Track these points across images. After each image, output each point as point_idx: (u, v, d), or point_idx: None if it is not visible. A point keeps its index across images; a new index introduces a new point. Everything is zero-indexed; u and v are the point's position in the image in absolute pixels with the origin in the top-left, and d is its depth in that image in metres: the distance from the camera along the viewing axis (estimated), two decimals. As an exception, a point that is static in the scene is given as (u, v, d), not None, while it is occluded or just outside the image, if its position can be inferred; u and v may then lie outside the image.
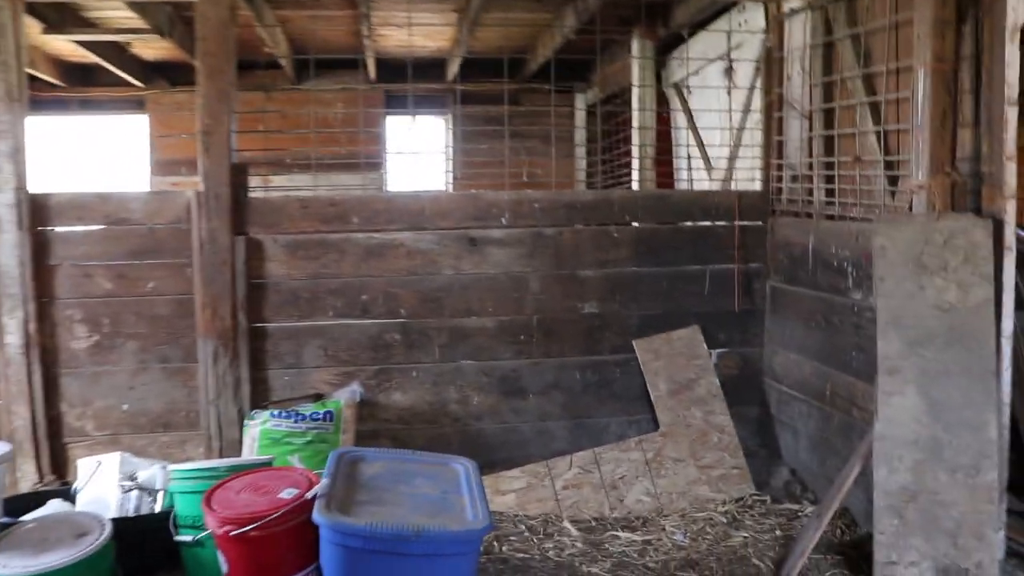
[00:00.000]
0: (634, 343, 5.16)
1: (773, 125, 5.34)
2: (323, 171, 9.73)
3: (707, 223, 5.30)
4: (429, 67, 9.71)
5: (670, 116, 7.91)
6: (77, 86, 9.38)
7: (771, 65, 5.34)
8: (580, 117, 10.09)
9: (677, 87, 7.59)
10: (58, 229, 4.76)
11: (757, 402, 5.32)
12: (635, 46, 7.45)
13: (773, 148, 5.33)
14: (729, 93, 5.97)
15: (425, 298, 4.96)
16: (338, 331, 4.92)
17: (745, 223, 5.29)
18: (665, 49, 7.68)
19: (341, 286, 4.90)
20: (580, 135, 10.19)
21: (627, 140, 7.90)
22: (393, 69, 9.48)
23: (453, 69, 9.24)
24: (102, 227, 4.78)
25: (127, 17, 7.07)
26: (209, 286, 4.74)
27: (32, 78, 9.01)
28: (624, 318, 5.17)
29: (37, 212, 4.69)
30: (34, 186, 4.72)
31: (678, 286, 5.23)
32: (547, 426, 5.11)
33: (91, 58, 8.82)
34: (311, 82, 9.56)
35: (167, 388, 4.87)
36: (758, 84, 5.93)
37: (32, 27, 7.06)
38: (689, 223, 5.32)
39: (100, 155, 10.02)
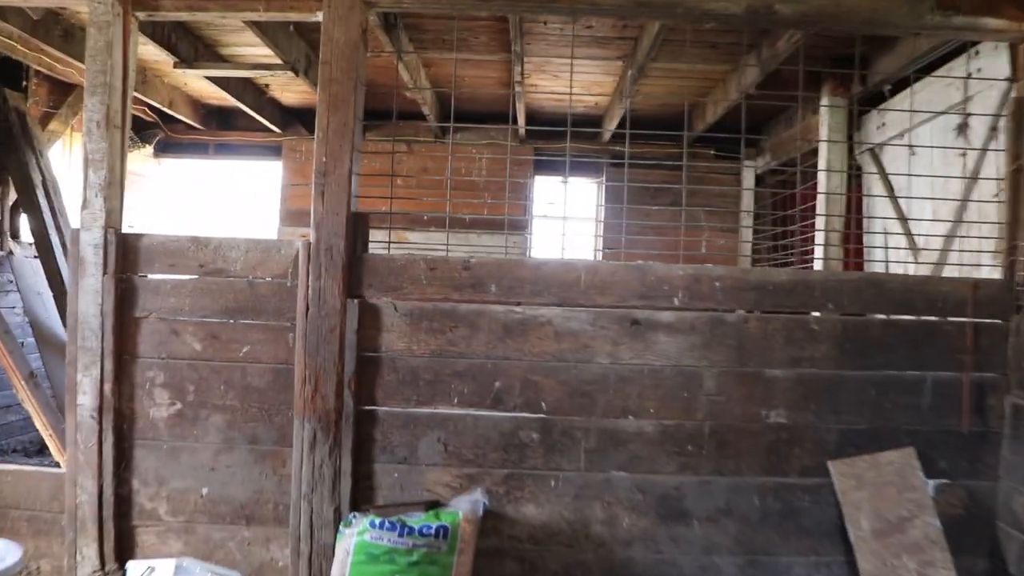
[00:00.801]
0: (830, 465, 4.05)
1: (1022, 197, 4.19)
2: (462, 230, 9.06)
3: (931, 318, 4.16)
4: (581, 125, 8.90)
5: (861, 187, 6.78)
6: (216, 130, 9.00)
7: (1022, 121, 4.21)
8: (747, 186, 9.04)
9: (874, 152, 6.46)
10: (147, 276, 4.06)
11: (987, 553, 4.09)
12: (824, 103, 6.41)
13: (1021, 226, 4.17)
14: (964, 155, 4.83)
15: (572, 390, 4.00)
16: (463, 423, 4.00)
17: (981, 320, 4.13)
18: (859, 107, 6.59)
19: (470, 368, 3.99)
20: (746, 206, 9.13)
21: (805, 214, 6.81)
22: (542, 126, 8.74)
23: (610, 127, 8.38)
24: (196, 277, 4.05)
25: (263, 55, 6.54)
26: (312, 356, 3.93)
27: (171, 119, 8.67)
28: (819, 432, 4.06)
29: (125, 255, 4.02)
30: (126, 226, 4.06)
31: (889, 396, 4.09)
32: (713, 562, 4.02)
33: (230, 101, 8.41)
34: (455, 136, 8.89)
35: (254, 474, 4.05)
36: (992, 145, 4.80)
37: (165, 63, 6.61)
38: (908, 317, 4.19)
39: (234, 201, 9.58)
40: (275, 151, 9.08)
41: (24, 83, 6.72)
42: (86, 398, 4.00)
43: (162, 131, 8.78)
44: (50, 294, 6.61)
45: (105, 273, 3.97)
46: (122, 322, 4.02)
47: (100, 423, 4.01)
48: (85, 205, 3.98)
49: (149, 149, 8.80)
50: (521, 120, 8.28)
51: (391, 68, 6.60)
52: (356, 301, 3.97)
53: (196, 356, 4.04)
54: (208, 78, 6.59)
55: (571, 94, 7.91)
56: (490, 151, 8.95)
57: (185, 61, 6.16)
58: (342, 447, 3.94)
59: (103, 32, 3.98)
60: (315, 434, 3.92)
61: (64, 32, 5.99)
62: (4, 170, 6.39)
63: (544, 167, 9.23)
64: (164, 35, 5.88)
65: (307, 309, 3.94)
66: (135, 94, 7.52)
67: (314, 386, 3.93)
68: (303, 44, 6.33)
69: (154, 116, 8.56)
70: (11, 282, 6.61)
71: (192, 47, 6.25)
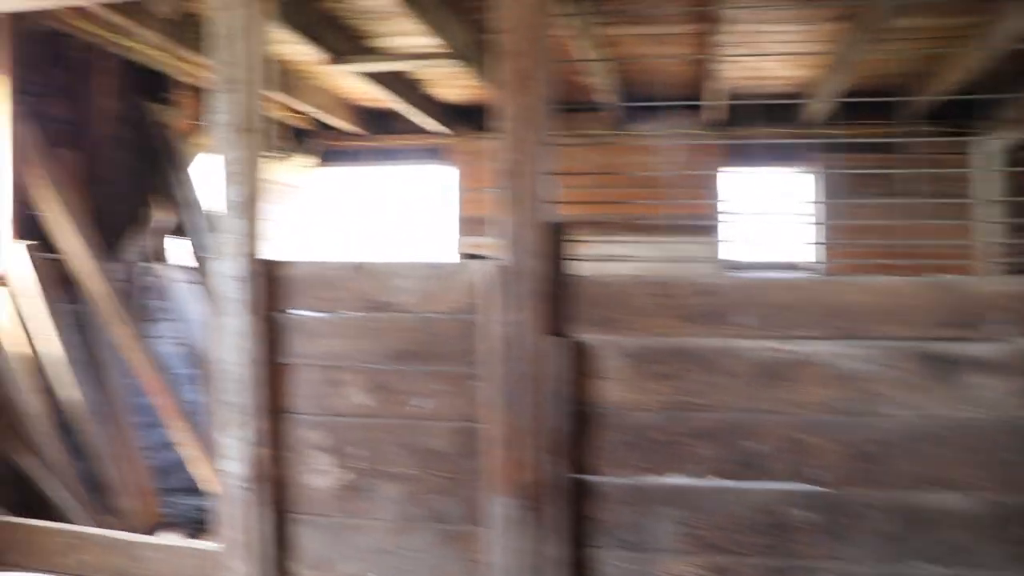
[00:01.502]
0: None
1: None
2: (646, 234, 8.05)
3: None
4: (780, 106, 7.70)
5: None
6: (375, 134, 8.32)
7: None
8: (982, 168, 7.61)
9: None
10: (300, 314, 3.28)
11: None
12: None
13: None
14: None
15: (854, 453, 2.94)
16: (706, 497, 3.02)
17: None
18: None
19: (714, 425, 3.00)
20: (983, 192, 7.70)
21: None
22: (733, 112, 7.63)
23: (817, 108, 7.18)
24: (358, 313, 3.24)
25: (420, 45, 5.76)
26: (506, 412, 3.05)
27: (327, 125, 8.07)
28: None
29: (273, 288, 3.26)
30: (271, 253, 3.31)
31: None
32: None
33: (386, 102, 7.71)
34: (635, 126, 7.89)
35: (439, 559, 3.21)
36: None
37: (313, 63, 5.93)
38: None
39: (400, 210, 8.90)
40: (439, 153, 8.32)
41: (168, 95, 6.19)
42: (233, 464, 3.27)
43: (319, 138, 8.18)
44: (205, 321, 6.05)
45: (250, 312, 3.22)
46: (272, 371, 3.26)
47: (251, 494, 3.27)
48: (224, 228, 3.24)
49: (306, 158, 8.22)
50: (713, 105, 7.20)
51: (565, 48, 5.69)
52: (561, 339, 3.05)
53: (362, 412, 3.24)
54: (364, 74, 5.86)
55: (764, 79, 6.77)
56: (675, 144, 7.89)
57: (338, 56, 5.43)
58: (549, 528, 3.03)
59: (229, 15, 3.23)
60: (515, 510, 3.04)
61: (204, 35, 5.37)
62: (152, 189, 5.87)
63: (737, 155, 8.09)
64: (311, 29, 5.16)
65: (498, 351, 3.06)
66: (286, 98, 6.96)
67: (510, 449, 3.05)
68: (466, 29, 5.50)
69: (310, 122, 7.97)
70: (164, 308, 6.10)
71: (340, 40, 5.51)
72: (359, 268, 3.23)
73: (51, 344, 4.68)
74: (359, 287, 3.22)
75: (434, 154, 8.39)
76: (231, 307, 3.23)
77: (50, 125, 5.21)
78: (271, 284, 3.26)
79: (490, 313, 3.08)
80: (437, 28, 4.99)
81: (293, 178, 8.12)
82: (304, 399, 3.27)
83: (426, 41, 5.66)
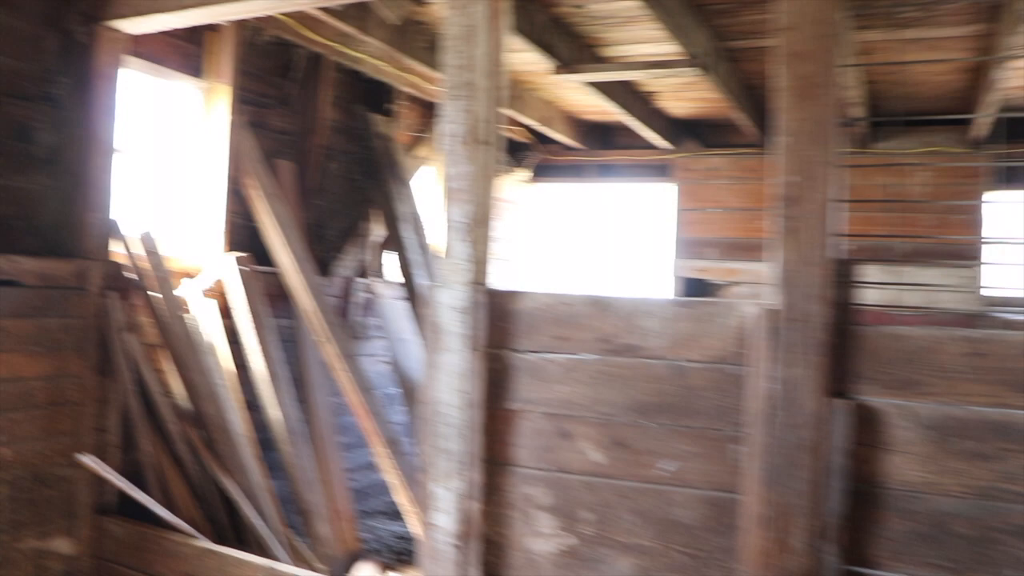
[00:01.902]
0: None
1: None
2: (890, 263, 7.23)
3: None
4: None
5: None
6: (595, 149, 7.91)
7: None
8: None
9: None
10: (528, 353, 2.87)
11: None
12: None
13: None
14: None
15: None
16: (1034, 618, 2.36)
17: None
18: None
19: (1049, 526, 2.34)
20: None
21: None
22: (1000, 127, 6.67)
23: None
24: (596, 356, 2.79)
25: (654, 52, 5.29)
26: (774, 485, 2.50)
27: (545, 139, 7.74)
28: None
29: (498, 323, 2.87)
30: (498, 281, 2.92)
31: None
32: None
33: (610, 116, 7.28)
34: (880, 143, 7.08)
35: (677, 652, 2.70)
36: None
37: (539, 73, 5.57)
38: None
39: (619, 230, 8.43)
40: (662, 171, 7.80)
41: (390, 107, 6.02)
42: (444, 518, 2.90)
43: (537, 152, 7.86)
44: (418, 341, 5.81)
45: (472, 348, 2.83)
46: (493, 417, 2.87)
47: (464, 552, 2.88)
48: (445, 253, 2.88)
49: (522, 173, 7.92)
50: (984, 115, 6.31)
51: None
52: (844, 402, 2.48)
53: (595, 471, 2.78)
54: (592, 84, 5.45)
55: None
56: (930, 161, 7.01)
57: (566, 65, 5.04)
58: (817, 632, 2.46)
59: (463, 13, 2.87)
60: (774, 606, 2.49)
61: (428, 43, 5.13)
62: (371, 202, 5.70)
63: (1011, 178, 7.09)
64: (538, 35, 4.79)
65: (765, 411, 2.52)
66: (509, 112, 6.65)
67: (772, 529, 2.50)
68: (707, 35, 4.97)
69: (528, 136, 7.66)
70: (377, 326, 5.91)
71: (571, 48, 5.12)
72: (599, 304, 2.78)
73: (258, 359, 4.53)
74: (598, 326, 2.77)
75: (655, 171, 7.87)
76: (450, 342, 2.86)
77: (270, 136, 5.12)
78: (496, 318, 2.86)
79: (757, 365, 2.55)
80: (677, 33, 4.50)
81: (508, 194, 7.84)
82: (527, 451, 2.85)
83: (662, 48, 5.19)
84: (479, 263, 2.86)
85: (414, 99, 6.26)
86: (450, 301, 2.85)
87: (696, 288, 7.59)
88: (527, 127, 7.57)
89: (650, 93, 6.56)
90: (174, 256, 4.43)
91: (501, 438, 2.87)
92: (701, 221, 7.59)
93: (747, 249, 7.41)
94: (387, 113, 5.92)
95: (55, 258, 3.78)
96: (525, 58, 5.30)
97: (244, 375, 4.57)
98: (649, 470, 2.72)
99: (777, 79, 2.58)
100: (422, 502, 2.94)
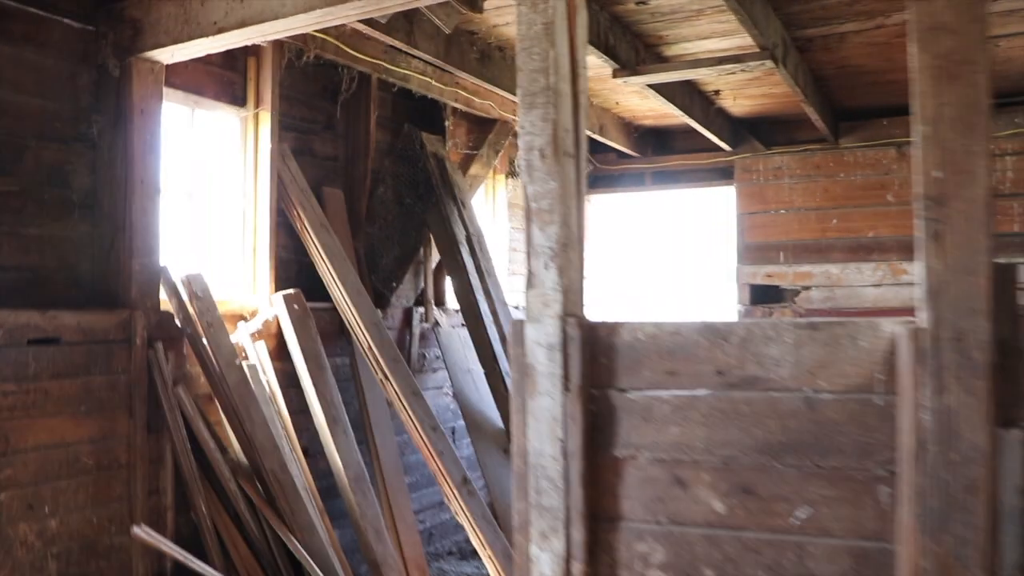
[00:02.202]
0: None
1: None
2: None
3: None
4: None
5: None
6: (651, 156, 7.55)
7: None
8: None
9: None
10: (630, 393, 2.52)
11: None
12: None
13: None
14: None
15: None
16: None
17: None
18: None
19: None
20: None
21: None
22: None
23: None
24: (711, 392, 2.43)
25: (719, 48, 4.94)
26: (933, 533, 2.13)
27: (598, 147, 7.41)
28: None
29: (595, 359, 2.52)
30: (593, 313, 2.57)
31: None
32: None
33: (666, 120, 6.95)
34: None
35: None
36: None
37: (598, 76, 5.25)
38: None
39: (682, 239, 8.06)
40: (725, 174, 7.40)
41: (441, 124, 5.72)
42: (546, 581, 2.54)
43: (591, 163, 7.51)
44: (480, 371, 5.49)
45: (566, 389, 2.49)
46: (595, 466, 2.52)
47: (567, 621, 2.53)
48: (531, 283, 2.54)
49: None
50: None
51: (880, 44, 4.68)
52: (1018, 432, 2.10)
53: (716, 522, 2.42)
54: (651, 87, 5.09)
55: None
56: (1016, 144, 6.55)
57: (625, 67, 4.70)
58: None
59: (538, 9, 2.54)
60: None
61: (480, 54, 4.83)
62: (425, 226, 5.39)
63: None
64: (599, 35, 4.46)
65: (919, 448, 2.14)
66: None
67: (937, 586, 2.11)
68: (779, 24, 4.60)
69: (578, 148, 7.32)
70: (438, 357, 5.59)
71: (632, 49, 4.78)
72: (712, 331, 2.42)
73: (316, 404, 4.23)
74: (712, 356, 2.41)
75: (716, 174, 7.48)
76: (541, 383, 2.52)
77: (316, 162, 4.84)
78: (594, 353, 2.51)
79: (904, 394, 2.17)
80: (749, 24, 4.13)
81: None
82: (637, 503, 2.50)
83: (729, 43, 4.85)
84: (570, 292, 2.52)
85: (464, 115, 5.95)
86: (539, 337, 2.51)
87: (765, 295, 7.18)
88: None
89: (713, 92, 6.19)
90: (221, 298, 4.14)
91: (605, 490, 2.52)
92: (767, 224, 7.19)
93: (819, 251, 7.00)
94: (438, 131, 5.62)
95: (97, 310, 3.51)
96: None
97: (303, 420, 4.27)
98: (780, 519, 2.35)
99: (912, 59, 2.21)
100: (520, 569, 2.60)
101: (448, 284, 5.69)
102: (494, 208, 6.42)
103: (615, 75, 4.72)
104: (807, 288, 7.06)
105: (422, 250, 5.49)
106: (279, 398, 4.15)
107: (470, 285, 5.30)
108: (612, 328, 2.54)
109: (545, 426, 2.53)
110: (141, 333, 3.54)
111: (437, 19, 3.66)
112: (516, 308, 5.94)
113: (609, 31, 4.51)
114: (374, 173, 5.13)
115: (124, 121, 3.73)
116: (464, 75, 4.75)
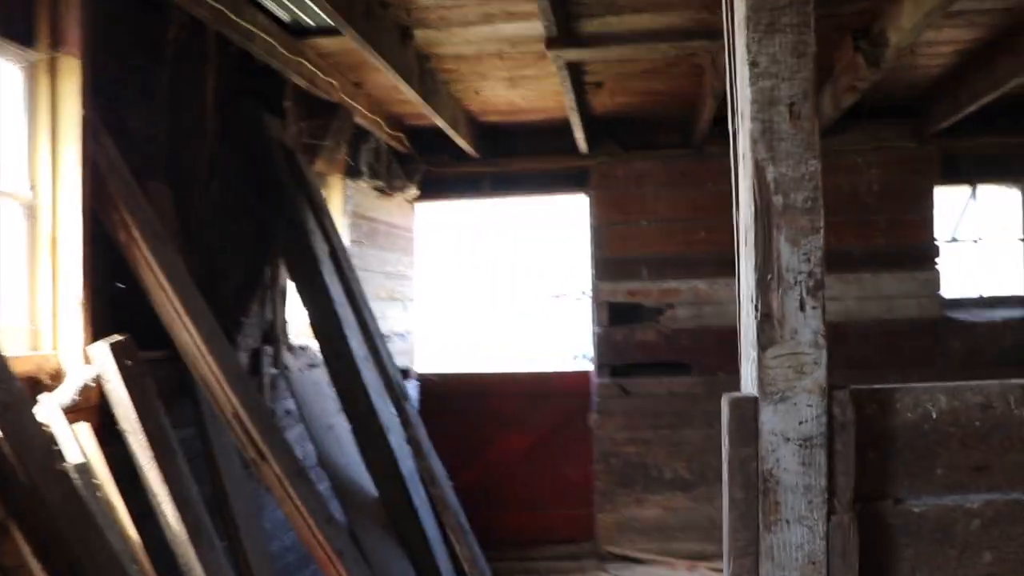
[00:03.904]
0: None
1: None
2: (845, 270, 6.38)
3: None
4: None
5: None
6: (489, 158, 6.46)
7: None
8: None
9: None
10: (912, 503, 1.46)
11: None
12: None
13: None
14: None
15: None
16: None
17: None
18: None
19: None
20: None
21: None
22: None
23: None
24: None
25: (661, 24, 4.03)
26: None
27: (430, 147, 6.30)
28: None
29: (865, 456, 1.45)
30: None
31: None
32: None
33: (516, 115, 5.99)
34: (828, 139, 6.18)
35: None
36: None
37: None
38: None
39: (524, 251, 7.06)
40: (579, 180, 6.47)
41: (280, 105, 4.34)
42: None
43: (420, 164, 6.32)
44: (346, 426, 4.21)
45: (832, 511, 1.41)
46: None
47: None
48: (768, 334, 1.42)
49: (410, 191, 6.34)
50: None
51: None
52: None
53: None
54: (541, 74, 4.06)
55: None
56: (882, 160, 6.22)
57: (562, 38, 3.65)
58: None
59: None
60: None
61: (366, 8, 3.57)
62: (271, 238, 4.02)
63: (953, 173, 6.43)
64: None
65: None
66: (425, 106, 5.08)
67: None
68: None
69: (404, 144, 6.13)
70: (289, 412, 4.19)
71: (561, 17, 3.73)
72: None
73: (168, 506, 2.78)
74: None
75: (569, 180, 6.56)
76: (791, 503, 1.41)
77: (131, 144, 3.33)
78: (864, 446, 1.45)
79: None
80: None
81: (389, 215, 6.27)
82: None
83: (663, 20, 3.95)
84: (822, 344, 1.43)
85: (302, 96, 4.59)
86: (786, 426, 1.40)
87: (625, 315, 6.38)
88: (406, 131, 6.07)
89: (594, 84, 5.25)
90: (11, 355, 2.59)
91: None
92: (628, 236, 6.38)
93: (685, 265, 6.29)
94: (276, 114, 4.24)
95: None
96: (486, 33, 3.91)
97: (148, 527, 2.78)
98: None
99: None
100: None
101: (302, 315, 4.30)
102: (339, 217, 5.08)
103: (549, 46, 3.66)
104: (671, 306, 6.34)
105: (271, 270, 4.10)
106: (119, 511, 2.65)
107: (335, 316, 3.98)
108: (884, 401, 1.48)
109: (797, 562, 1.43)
110: None
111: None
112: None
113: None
114: (209, 163, 3.69)
115: None
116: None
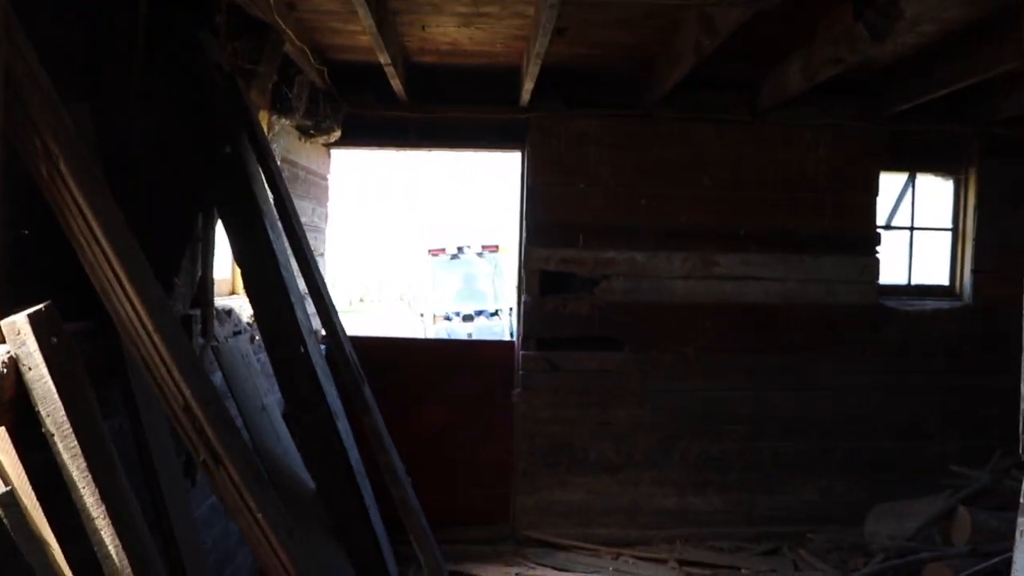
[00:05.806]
0: None
1: None
2: (783, 251, 6.13)
3: None
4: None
5: None
6: (423, 104, 5.79)
7: None
8: None
9: None
10: None
11: None
12: None
13: None
14: None
15: None
16: None
17: None
18: None
19: None
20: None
21: None
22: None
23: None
24: None
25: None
26: None
27: (353, 89, 5.61)
28: None
29: None
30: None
31: None
32: None
33: (452, 58, 5.40)
34: (772, 116, 5.86)
35: None
36: None
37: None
38: None
39: (448, 214, 6.43)
40: (515, 135, 5.90)
41: (212, 21, 3.59)
42: None
43: (342, 105, 5.60)
44: (277, 410, 3.58)
45: None
46: None
47: None
48: None
49: (326, 132, 5.62)
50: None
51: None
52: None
53: None
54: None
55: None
56: (829, 140, 5.97)
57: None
58: None
59: None
60: None
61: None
62: (206, 181, 3.31)
63: (900, 159, 6.26)
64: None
65: None
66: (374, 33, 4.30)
67: None
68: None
69: (327, 82, 5.40)
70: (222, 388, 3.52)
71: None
72: None
73: (107, 530, 2.13)
74: None
75: (504, 135, 5.98)
76: None
77: (43, 52, 2.57)
78: None
79: None
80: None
81: (309, 161, 5.54)
82: None
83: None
84: None
85: (232, 11, 3.84)
86: None
87: (557, 284, 5.91)
88: (328, 66, 5.33)
89: (556, 29, 4.68)
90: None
91: None
92: (565, 198, 5.88)
93: (625, 235, 5.87)
94: (214, 31, 3.49)
95: None
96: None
97: (75, 551, 2.12)
98: None
99: None
100: None
101: (239, 277, 3.61)
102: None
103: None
104: (607, 278, 5.91)
105: (206, 222, 3.38)
106: (46, 533, 1.97)
107: (282, 280, 3.33)
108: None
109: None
110: None
111: None
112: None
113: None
114: (133, 87, 2.95)
115: None
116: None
